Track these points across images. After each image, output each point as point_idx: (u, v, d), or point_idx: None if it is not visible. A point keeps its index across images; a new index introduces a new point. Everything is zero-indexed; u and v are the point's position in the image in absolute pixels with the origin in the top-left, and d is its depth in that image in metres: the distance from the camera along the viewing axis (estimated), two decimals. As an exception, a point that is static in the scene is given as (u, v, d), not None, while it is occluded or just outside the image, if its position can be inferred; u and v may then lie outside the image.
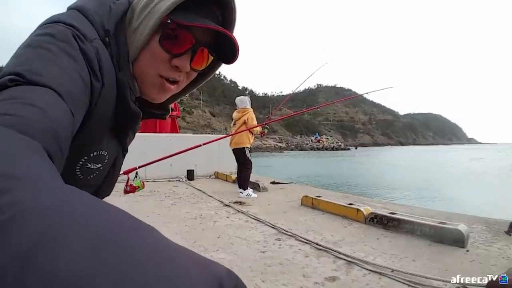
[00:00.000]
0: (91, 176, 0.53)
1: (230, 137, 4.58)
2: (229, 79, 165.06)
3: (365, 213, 3.00)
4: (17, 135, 0.25)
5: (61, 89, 0.35)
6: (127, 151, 0.62)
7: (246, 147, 4.54)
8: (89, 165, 0.50)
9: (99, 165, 0.53)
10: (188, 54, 0.49)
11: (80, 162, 0.49)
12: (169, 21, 0.47)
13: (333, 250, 2.25)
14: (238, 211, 3.55)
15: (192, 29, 0.48)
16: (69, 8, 0.47)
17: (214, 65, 0.57)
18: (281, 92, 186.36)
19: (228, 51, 0.52)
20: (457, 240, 2.28)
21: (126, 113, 0.49)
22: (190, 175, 6.28)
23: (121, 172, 1.77)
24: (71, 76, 0.38)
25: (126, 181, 1.70)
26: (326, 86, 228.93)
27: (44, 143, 0.27)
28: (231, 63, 0.54)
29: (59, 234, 0.14)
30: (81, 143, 0.45)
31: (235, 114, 4.70)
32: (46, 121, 0.30)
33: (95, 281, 0.12)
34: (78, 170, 0.49)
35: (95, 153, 0.50)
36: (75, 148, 0.42)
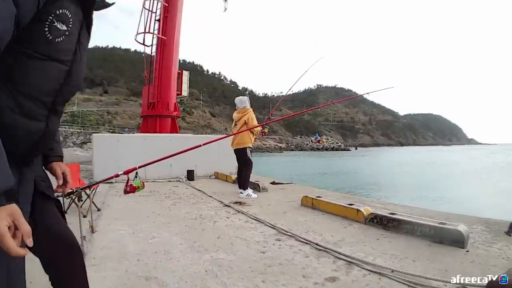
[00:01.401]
0: (60, 39, 0.58)
1: (232, 137, 4.59)
2: (229, 79, 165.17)
3: (365, 213, 3.00)
4: None
5: None
6: (91, 24, 0.69)
7: (248, 147, 4.57)
8: (56, 24, 0.56)
9: (65, 27, 0.58)
10: None
11: (48, 21, 0.54)
12: None
13: (333, 251, 2.25)
14: (238, 212, 3.55)
15: None
16: None
17: None
18: (281, 92, 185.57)
19: None
20: (457, 241, 2.28)
21: None
22: (190, 175, 6.29)
23: (121, 172, 1.77)
24: None
25: (126, 181, 1.70)
26: (326, 87, 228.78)
27: None
28: None
29: None
30: (45, 3, 0.52)
31: (235, 115, 4.71)
32: None
33: None
34: (47, 29, 0.55)
35: (60, 11, 0.56)
36: (41, 9, 0.50)
